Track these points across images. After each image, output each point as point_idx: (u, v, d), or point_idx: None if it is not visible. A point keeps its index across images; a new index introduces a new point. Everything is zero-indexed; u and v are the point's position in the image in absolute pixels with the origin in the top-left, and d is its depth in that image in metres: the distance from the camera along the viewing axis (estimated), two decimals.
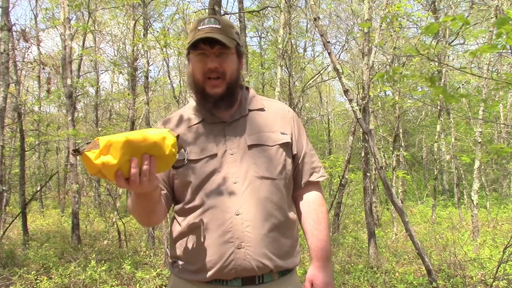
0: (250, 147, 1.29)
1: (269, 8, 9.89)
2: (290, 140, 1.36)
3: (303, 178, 1.40)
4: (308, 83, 10.64)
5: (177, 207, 1.34)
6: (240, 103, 1.38)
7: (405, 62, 8.56)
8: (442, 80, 8.61)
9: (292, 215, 1.34)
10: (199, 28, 1.29)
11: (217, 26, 1.28)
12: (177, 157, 1.11)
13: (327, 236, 1.37)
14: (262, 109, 1.38)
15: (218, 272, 1.23)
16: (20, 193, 6.86)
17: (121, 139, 0.99)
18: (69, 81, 7.01)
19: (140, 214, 1.26)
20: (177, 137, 1.10)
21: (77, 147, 1.00)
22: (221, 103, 1.30)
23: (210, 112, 1.34)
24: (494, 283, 3.56)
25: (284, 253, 1.28)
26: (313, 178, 1.40)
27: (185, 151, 1.18)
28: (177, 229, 1.32)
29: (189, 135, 1.33)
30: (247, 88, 1.44)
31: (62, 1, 7.14)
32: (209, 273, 1.23)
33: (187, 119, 1.37)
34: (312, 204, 1.39)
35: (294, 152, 1.38)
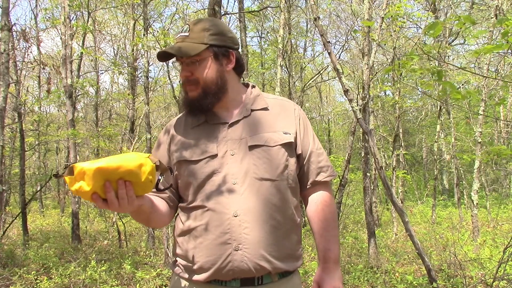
0: (251, 148, 1.28)
1: (269, 8, 9.89)
2: (293, 140, 1.33)
3: (310, 178, 1.37)
4: (308, 83, 10.64)
5: (181, 205, 1.35)
6: (242, 103, 1.37)
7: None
8: (442, 80, 8.58)
9: (295, 216, 1.32)
10: (176, 37, 1.34)
11: (185, 34, 1.30)
12: (160, 180, 1.14)
13: (335, 237, 1.35)
14: (265, 109, 1.37)
15: (216, 273, 1.23)
16: (20, 193, 6.86)
17: (93, 167, 1.00)
18: (69, 81, 7.01)
19: (137, 220, 1.32)
20: (158, 163, 1.10)
21: (57, 172, 1.04)
22: (195, 106, 1.31)
23: (191, 116, 1.35)
24: (494, 283, 3.56)
25: (284, 255, 1.27)
26: (320, 178, 1.37)
27: (171, 173, 1.20)
28: (179, 227, 1.33)
29: (191, 136, 1.33)
30: (253, 87, 1.42)
31: (62, 1, 7.14)
32: (207, 274, 1.24)
33: (190, 121, 1.37)
34: (320, 205, 1.36)
35: (299, 151, 1.35)
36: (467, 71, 4.86)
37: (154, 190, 1.17)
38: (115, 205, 1.05)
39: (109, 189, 1.03)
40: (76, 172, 1.00)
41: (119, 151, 9.15)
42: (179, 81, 11.84)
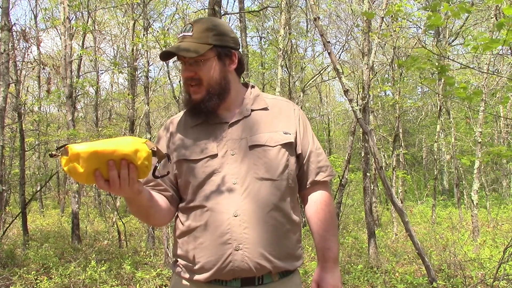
0: (251, 147, 1.28)
1: (269, 8, 9.89)
2: (293, 140, 1.33)
3: (309, 178, 1.37)
4: (308, 83, 10.64)
5: (181, 205, 1.34)
6: (242, 103, 1.37)
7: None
8: (442, 80, 8.61)
9: (295, 216, 1.32)
10: (178, 36, 1.34)
11: (189, 34, 1.29)
12: (158, 167, 1.12)
13: (334, 236, 1.35)
14: (265, 109, 1.37)
15: (217, 273, 1.23)
16: (20, 193, 6.85)
17: (88, 150, 1.00)
18: (69, 81, 7.01)
19: (136, 216, 1.31)
20: (156, 149, 1.09)
21: (52, 152, 1.04)
22: (200, 108, 1.30)
23: (191, 115, 1.35)
24: (494, 283, 3.56)
25: (284, 255, 1.27)
26: (320, 177, 1.37)
27: (169, 160, 1.18)
28: (179, 227, 1.33)
29: (191, 135, 1.33)
30: (253, 87, 1.42)
31: (62, 1, 7.14)
32: (208, 274, 1.24)
33: (189, 120, 1.36)
34: (319, 204, 1.36)
35: (299, 151, 1.35)
36: (468, 67, 4.87)
37: (152, 178, 1.16)
38: (116, 185, 1.05)
39: (113, 168, 1.03)
40: (70, 154, 1.00)
41: None
42: (179, 81, 11.85)
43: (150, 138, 7.05)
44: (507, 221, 8.69)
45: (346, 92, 3.35)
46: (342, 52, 10.60)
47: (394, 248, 6.42)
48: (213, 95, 1.29)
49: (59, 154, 1.02)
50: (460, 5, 1.83)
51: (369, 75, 5.71)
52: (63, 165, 1.02)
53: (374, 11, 7.03)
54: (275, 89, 8.01)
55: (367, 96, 5.56)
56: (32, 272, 4.40)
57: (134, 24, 7.88)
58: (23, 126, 7.24)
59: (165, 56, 1.31)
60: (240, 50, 1.40)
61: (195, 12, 9.79)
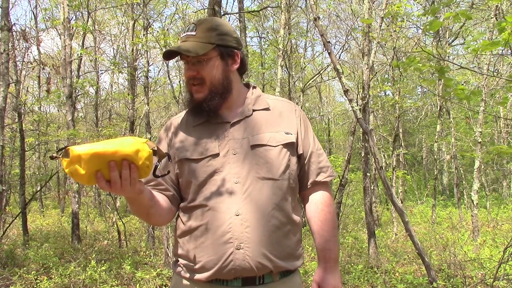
0: (253, 147, 1.29)
1: (269, 8, 9.89)
2: (294, 140, 1.34)
3: (310, 178, 1.37)
4: (308, 83, 10.64)
5: (182, 204, 1.35)
6: (244, 103, 1.37)
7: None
8: (442, 80, 8.60)
9: (296, 216, 1.32)
10: (181, 36, 1.34)
11: (192, 33, 1.30)
12: (159, 166, 1.12)
13: (334, 236, 1.35)
14: (267, 109, 1.37)
15: (218, 273, 1.23)
16: (20, 193, 6.85)
17: (89, 151, 1.00)
18: (69, 81, 7.01)
19: (137, 215, 1.31)
20: (156, 148, 1.10)
21: (53, 154, 1.04)
22: (202, 107, 1.31)
23: (193, 115, 1.35)
24: (494, 283, 3.56)
25: (285, 254, 1.27)
26: (320, 178, 1.38)
27: (169, 160, 1.18)
28: (180, 227, 1.33)
29: (192, 135, 1.33)
30: (254, 87, 1.43)
31: (62, 1, 7.14)
32: (209, 273, 1.24)
33: (191, 119, 1.37)
34: (320, 205, 1.36)
35: (300, 152, 1.36)
36: (467, 68, 4.89)
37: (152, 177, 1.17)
38: (118, 186, 1.05)
39: (114, 168, 1.03)
40: (72, 156, 1.00)
41: None
42: (179, 81, 11.85)
43: (150, 138, 7.04)
44: (507, 221, 8.69)
45: (346, 92, 3.35)
46: (342, 52, 10.60)
47: (394, 248, 6.42)
48: (215, 94, 1.30)
49: (60, 156, 1.02)
50: (462, 11, 1.83)
51: (369, 75, 5.71)
52: (64, 167, 1.02)
53: (374, 11, 7.03)
54: (275, 89, 8.01)
55: (367, 96, 5.56)
56: (32, 272, 4.40)
57: (134, 24, 7.88)
58: (23, 126, 7.23)
59: (168, 55, 1.31)
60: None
61: (195, 12, 9.80)
